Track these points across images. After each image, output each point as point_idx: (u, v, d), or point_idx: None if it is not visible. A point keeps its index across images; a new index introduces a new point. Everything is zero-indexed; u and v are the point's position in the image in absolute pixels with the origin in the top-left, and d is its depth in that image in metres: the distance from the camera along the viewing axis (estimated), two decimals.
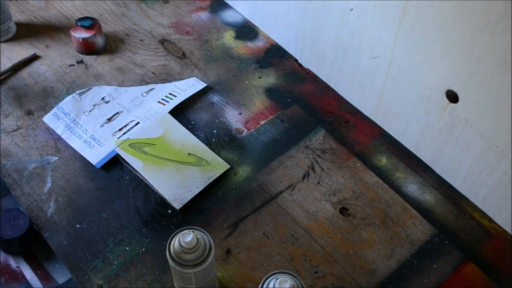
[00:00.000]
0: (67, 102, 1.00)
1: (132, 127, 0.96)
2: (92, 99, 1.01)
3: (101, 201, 0.87)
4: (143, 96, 1.02)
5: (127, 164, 0.91)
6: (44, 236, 0.83)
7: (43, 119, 0.98)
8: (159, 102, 1.01)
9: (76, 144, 0.94)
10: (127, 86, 1.05)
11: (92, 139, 0.94)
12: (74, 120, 0.97)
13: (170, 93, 1.02)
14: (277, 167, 0.93)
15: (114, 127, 0.97)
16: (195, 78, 1.06)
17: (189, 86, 1.03)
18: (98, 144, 0.93)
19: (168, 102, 1.00)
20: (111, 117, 0.98)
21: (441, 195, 0.90)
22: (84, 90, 1.02)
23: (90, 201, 0.87)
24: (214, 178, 0.89)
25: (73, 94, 1.01)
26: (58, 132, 0.95)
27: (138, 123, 0.97)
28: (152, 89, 1.03)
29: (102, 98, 1.01)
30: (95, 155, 0.92)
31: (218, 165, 0.91)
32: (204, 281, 0.69)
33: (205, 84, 1.04)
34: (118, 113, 0.99)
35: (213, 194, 0.88)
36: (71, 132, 0.95)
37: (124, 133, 0.95)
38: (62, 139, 0.95)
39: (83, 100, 1.00)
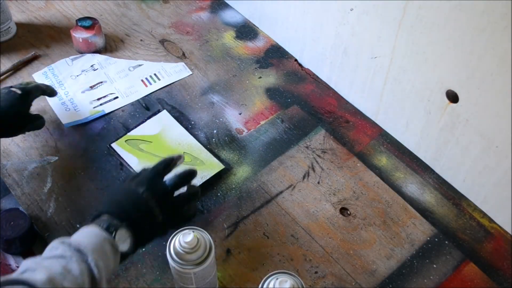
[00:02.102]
0: (59, 65, 1.06)
1: (109, 100, 1.00)
2: (83, 65, 1.06)
3: (101, 201, 0.87)
4: (129, 70, 1.06)
5: (123, 160, 0.91)
6: (44, 236, 0.83)
7: (32, 75, 1.04)
8: (142, 81, 1.04)
9: (53, 102, 0.99)
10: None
11: (71, 103, 1.00)
12: (60, 81, 1.03)
13: (155, 74, 1.06)
14: (277, 167, 0.93)
15: (93, 96, 1.01)
16: (183, 63, 1.08)
17: (175, 72, 1.07)
18: (74, 109, 0.99)
19: (151, 84, 1.04)
20: (94, 85, 1.03)
21: (441, 195, 0.90)
22: (78, 56, 1.08)
23: (90, 201, 0.87)
24: (208, 178, 0.89)
25: (66, 59, 1.07)
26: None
27: (117, 97, 1.01)
28: (140, 65, 1.07)
29: (91, 65, 1.06)
30: (68, 117, 0.97)
31: (212, 165, 0.91)
32: (204, 281, 0.69)
33: (190, 72, 1.07)
34: (101, 82, 1.03)
35: (213, 194, 0.88)
36: None
37: (100, 104, 1.00)
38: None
39: (74, 65, 1.06)
